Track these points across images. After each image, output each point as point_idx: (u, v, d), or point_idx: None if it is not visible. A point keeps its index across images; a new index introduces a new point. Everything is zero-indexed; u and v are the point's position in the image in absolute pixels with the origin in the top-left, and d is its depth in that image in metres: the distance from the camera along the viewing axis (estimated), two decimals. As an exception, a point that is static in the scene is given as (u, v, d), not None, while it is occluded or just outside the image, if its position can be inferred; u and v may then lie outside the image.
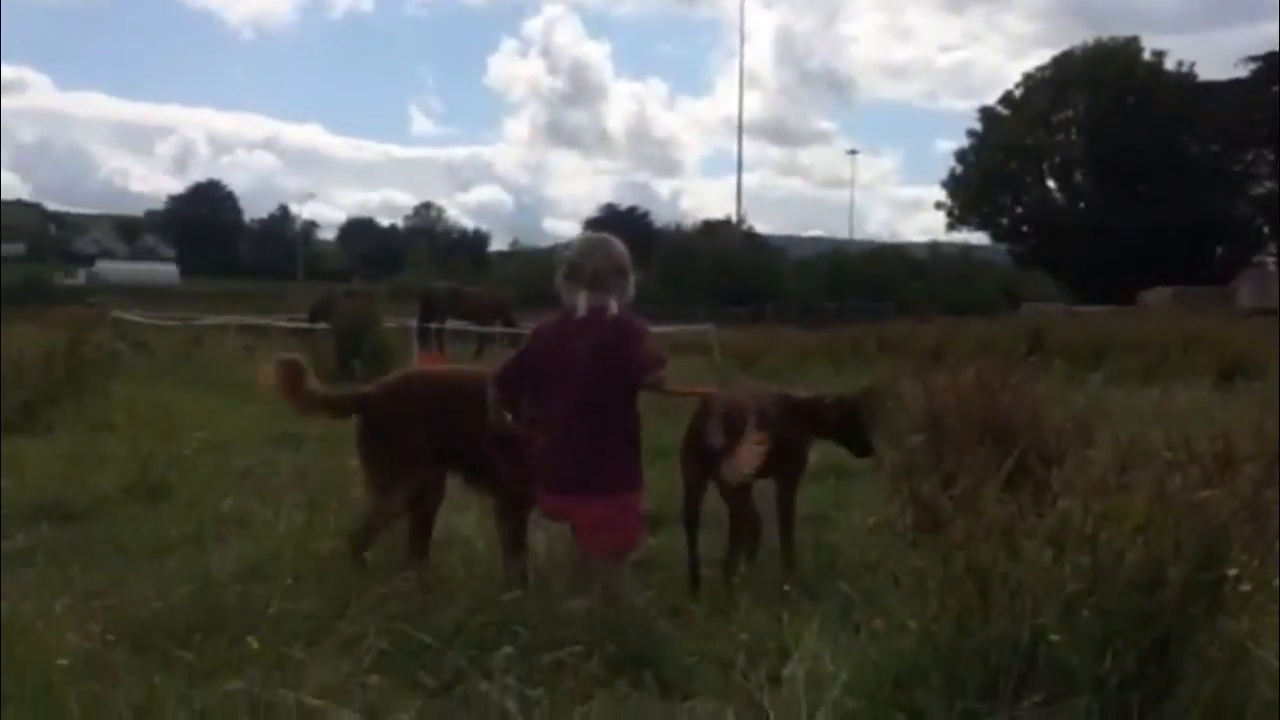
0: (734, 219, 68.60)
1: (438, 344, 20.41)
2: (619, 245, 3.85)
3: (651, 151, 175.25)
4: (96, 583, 3.61)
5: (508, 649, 2.82)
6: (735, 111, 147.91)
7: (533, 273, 61.78)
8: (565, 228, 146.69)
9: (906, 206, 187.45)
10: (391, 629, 3.04)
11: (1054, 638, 2.44)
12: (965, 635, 2.55)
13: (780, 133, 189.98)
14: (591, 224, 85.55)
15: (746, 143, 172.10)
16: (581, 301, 3.64)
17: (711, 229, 69.27)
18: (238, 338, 22.36)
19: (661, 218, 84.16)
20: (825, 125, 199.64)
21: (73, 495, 5.29)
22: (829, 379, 14.74)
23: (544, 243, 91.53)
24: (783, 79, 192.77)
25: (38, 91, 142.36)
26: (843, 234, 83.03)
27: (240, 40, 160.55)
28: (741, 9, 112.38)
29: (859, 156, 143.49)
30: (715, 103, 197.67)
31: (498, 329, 22.13)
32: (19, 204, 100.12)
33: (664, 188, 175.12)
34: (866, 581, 3.41)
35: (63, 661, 2.56)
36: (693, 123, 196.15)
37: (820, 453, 7.16)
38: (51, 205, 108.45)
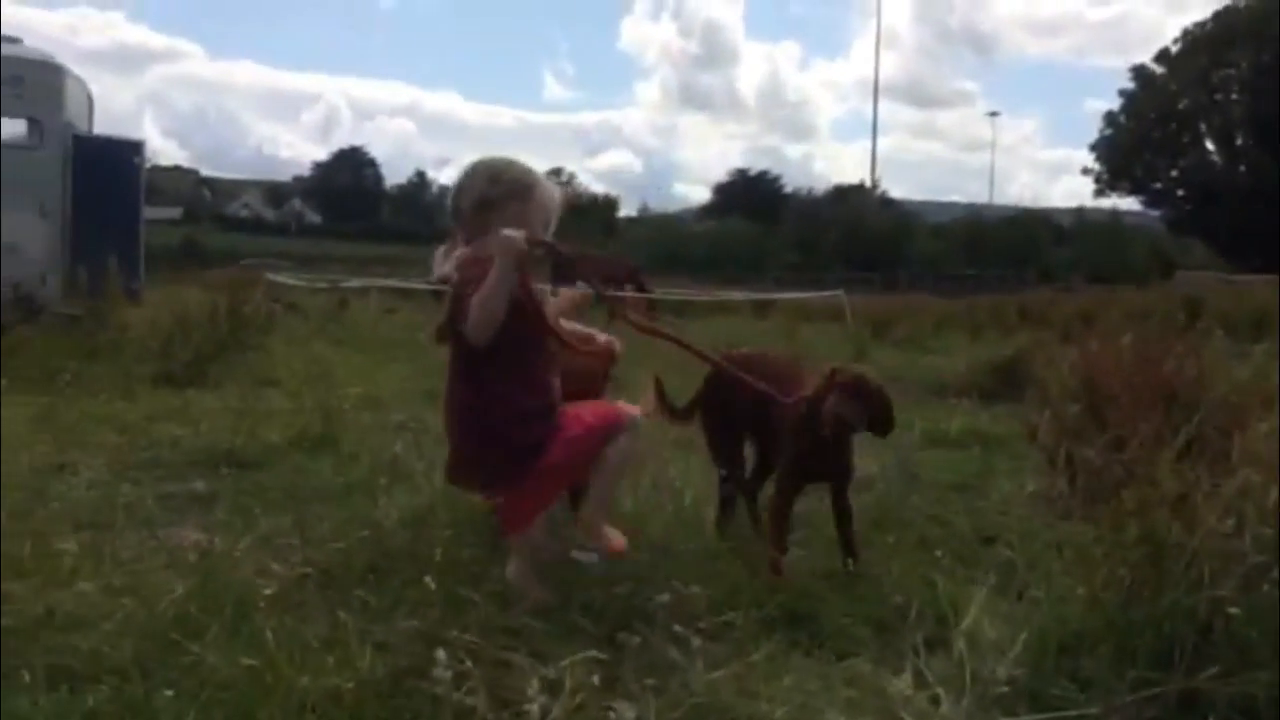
0: (868, 183, 67.27)
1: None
2: (486, 169, 3.05)
3: (783, 115, 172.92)
4: (276, 526, 3.83)
5: (664, 597, 2.88)
6: (870, 73, 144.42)
7: (662, 237, 62.31)
8: (695, 192, 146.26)
9: (1050, 170, 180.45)
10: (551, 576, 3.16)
11: (1233, 610, 2.37)
12: (1136, 605, 2.49)
13: (917, 94, 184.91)
14: (721, 188, 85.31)
15: (882, 105, 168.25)
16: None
17: (844, 194, 68.11)
18: (380, 299, 23.20)
19: (793, 182, 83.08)
20: (965, 86, 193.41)
21: (244, 445, 5.58)
22: (966, 347, 14.43)
23: (673, 207, 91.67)
24: (921, 38, 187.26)
25: (192, 61, 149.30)
26: (981, 199, 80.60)
27: (381, 8, 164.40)
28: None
29: (1000, 118, 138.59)
30: (850, 64, 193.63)
31: (629, 294, 22.41)
32: (176, 170, 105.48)
33: (795, 152, 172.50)
34: (1023, 549, 3.35)
35: (268, 591, 2.76)
36: (826, 85, 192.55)
37: (962, 419, 7.10)
38: (205, 171, 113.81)
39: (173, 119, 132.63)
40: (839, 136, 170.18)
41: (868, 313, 19.49)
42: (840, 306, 20.40)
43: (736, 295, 25.82)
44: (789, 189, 79.12)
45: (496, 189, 2.95)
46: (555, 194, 3.05)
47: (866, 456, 5.34)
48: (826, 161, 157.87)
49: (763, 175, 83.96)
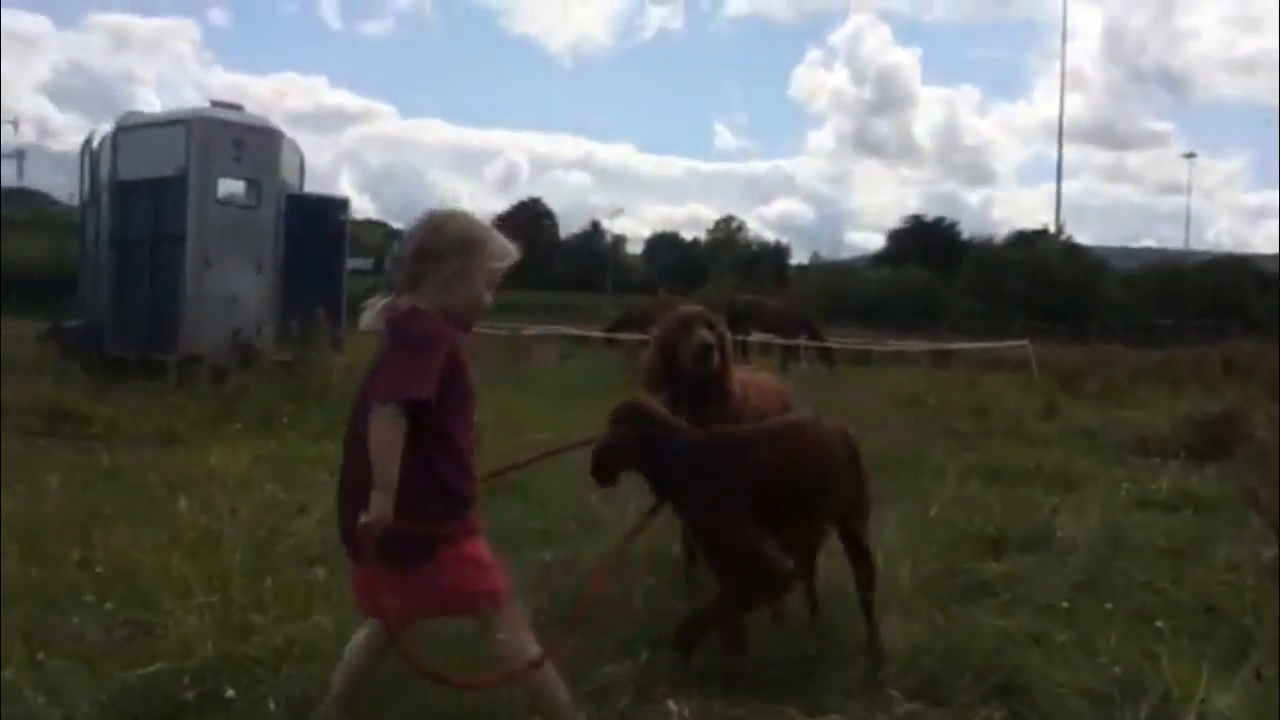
0: (1052, 229, 64.80)
1: (743, 356, 20.79)
2: (433, 219, 2.74)
3: (961, 159, 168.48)
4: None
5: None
6: (1055, 115, 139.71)
7: (834, 285, 61.71)
8: (867, 239, 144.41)
9: (1253, 214, 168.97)
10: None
11: None
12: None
13: (1106, 136, 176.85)
14: (895, 235, 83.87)
15: (1068, 147, 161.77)
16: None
17: (1026, 240, 65.79)
18: (557, 347, 23.87)
19: (971, 228, 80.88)
20: (1158, 126, 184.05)
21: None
22: (1166, 402, 13.61)
23: (846, 255, 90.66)
24: (1110, 78, 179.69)
25: (385, 121, 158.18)
26: (1175, 244, 76.29)
27: (560, 66, 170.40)
28: (1064, 6, 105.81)
29: (1197, 160, 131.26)
30: (1032, 106, 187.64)
31: (801, 342, 22.23)
32: (368, 223, 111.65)
33: (974, 197, 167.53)
34: (1256, 623, 3.15)
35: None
36: (1007, 128, 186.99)
37: (1170, 480, 6.72)
38: (394, 223, 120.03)
39: (366, 175, 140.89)
40: (1021, 181, 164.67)
41: (1055, 364, 18.69)
42: (1025, 357, 19.65)
43: (914, 345, 25.25)
44: (967, 235, 77.12)
45: (439, 240, 2.66)
46: (507, 250, 2.76)
47: (1069, 519, 5.16)
48: (1007, 207, 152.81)
49: (939, 221, 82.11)
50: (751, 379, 4.39)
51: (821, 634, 3.36)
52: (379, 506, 2.35)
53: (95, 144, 13.42)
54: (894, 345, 24.73)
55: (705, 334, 3.80)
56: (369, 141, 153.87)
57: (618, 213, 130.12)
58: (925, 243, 73.97)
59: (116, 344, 12.32)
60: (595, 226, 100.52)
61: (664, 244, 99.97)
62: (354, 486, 2.47)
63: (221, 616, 2.98)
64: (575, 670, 2.81)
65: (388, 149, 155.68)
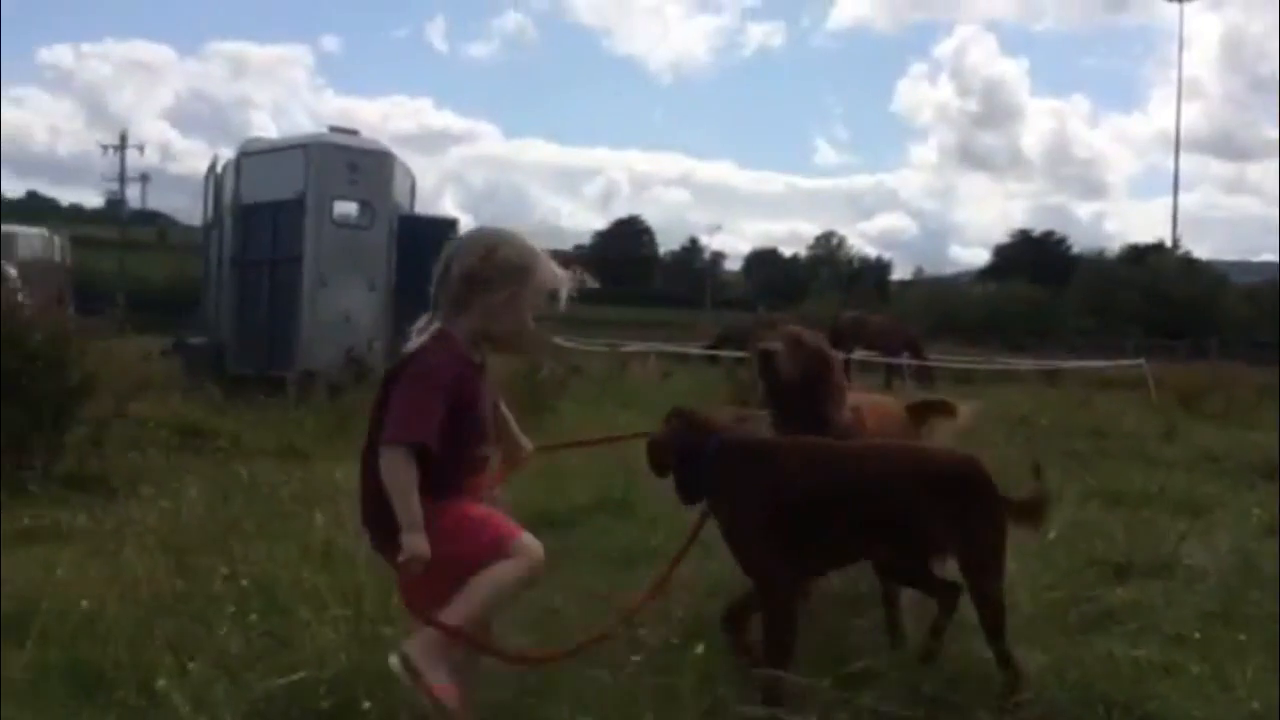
0: (1168, 243, 62.54)
1: (846, 374, 20.54)
2: (483, 241, 2.70)
3: (1072, 172, 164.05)
4: (592, 585, 4.04)
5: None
6: (1171, 125, 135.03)
7: (939, 302, 60.58)
8: (972, 255, 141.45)
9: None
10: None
11: None
12: None
13: (1226, 146, 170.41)
14: (1002, 250, 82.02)
15: (1185, 158, 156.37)
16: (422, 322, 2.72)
17: (1140, 254, 63.67)
18: (657, 363, 23.98)
19: (1082, 243, 78.63)
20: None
21: (554, 505, 5.91)
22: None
23: (950, 270, 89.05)
24: (1230, 87, 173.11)
25: (487, 141, 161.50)
26: (1302, 258, 72.85)
27: (660, 84, 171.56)
28: (1180, 14, 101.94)
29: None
30: (1147, 117, 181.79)
31: (905, 360, 21.88)
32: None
33: (1085, 210, 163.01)
34: None
35: (636, 658, 2.94)
36: (1120, 140, 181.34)
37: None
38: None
39: (468, 194, 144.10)
40: (1135, 194, 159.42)
41: (1174, 383, 17.99)
42: (1141, 376, 19.02)
43: (1023, 363, 24.62)
44: (1077, 250, 75.05)
45: (489, 267, 2.61)
46: (558, 276, 2.72)
47: (1196, 545, 4.98)
48: (1120, 220, 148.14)
49: (1048, 236, 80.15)
50: (872, 402, 4.32)
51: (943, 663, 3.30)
52: (411, 545, 2.40)
53: (219, 169, 14.04)
54: (1002, 363, 24.15)
55: (805, 349, 3.73)
56: (472, 161, 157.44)
57: (716, 229, 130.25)
58: (1034, 258, 72.23)
59: (237, 361, 12.84)
60: (694, 243, 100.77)
61: (763, 260, 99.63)
62: (372, 500, 2.55)
63: (354, 629, 3.09)
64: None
65: (490, 168, 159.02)
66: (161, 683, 2.71)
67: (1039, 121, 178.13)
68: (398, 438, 2.45)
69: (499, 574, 2.51)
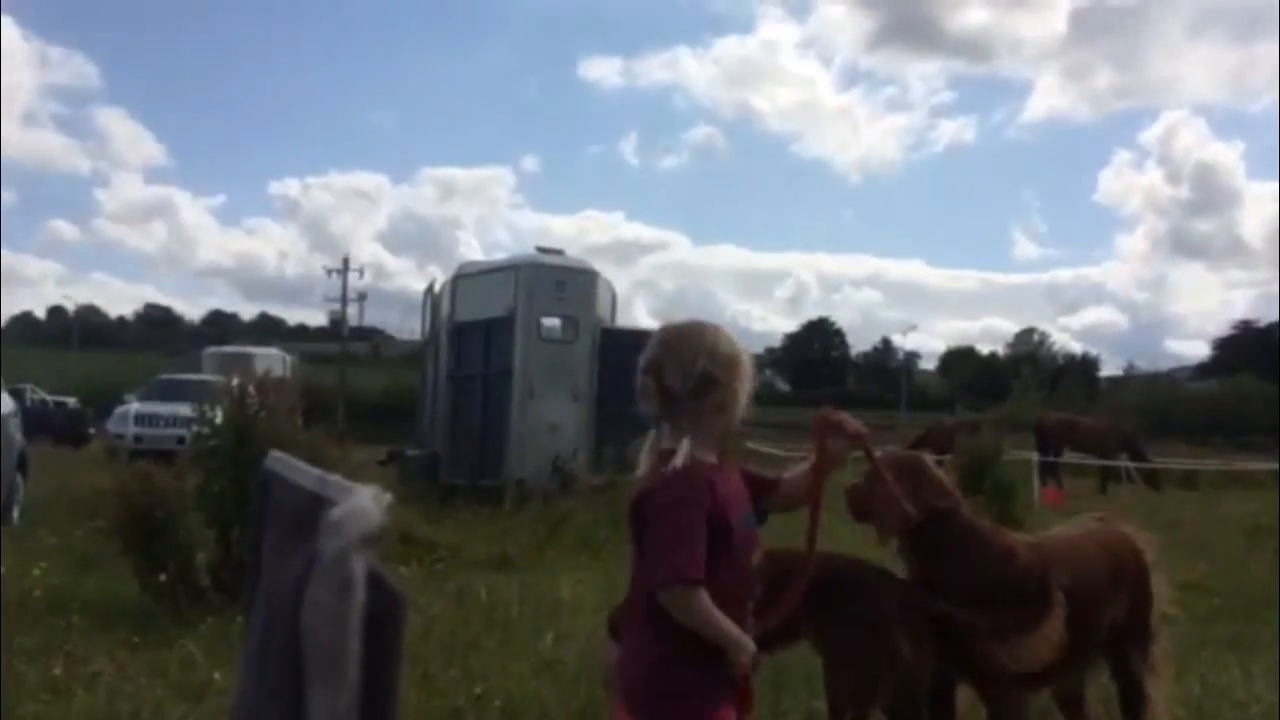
0: None
1: (1055, 479, 19.57)
2: (699, 336, 2.38)
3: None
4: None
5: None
6: None
7: (1154, 399, 57.05)
8: (1190, 348, 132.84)
9: None
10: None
11: None
12: None
13: None
14: (1222, 343, 76.85)
15: None
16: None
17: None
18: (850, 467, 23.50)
19: (1311, 332, 72.37)
20: None
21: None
22: None
23: (1165, 365, 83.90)
24: None
25: (678, 249, 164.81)
26: None
27: (849, 184, 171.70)
28: None
29: None
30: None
31: (1123, 462, 20.66)
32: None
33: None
34: None
35: None
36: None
37: None
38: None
39: (659, 300, 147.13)
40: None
41: None
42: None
43: (1255, 464, 22.81)
44: (1307, 339, 69.40)
45: (713, 365, 2.30)
46: (750, 364, 2.42)
47: None
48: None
49: (1274, 326, 74.50)
50: (1073, 540, 3.73)
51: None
52: (738, 649, 2.20)
53: (436, 289, 15.04)
54: (1231, 464, 22.47)
55: (930, 481, 3.33)
56: (662, 269, 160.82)
57: (911, 328, 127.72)
58: (1259, 349, 67.21)
59: (451, 471, 13.50)
60: (886, 343, 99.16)
61: (960, 359, 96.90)
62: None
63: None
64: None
65: (680, 275, 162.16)
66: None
67: (1259, 206, 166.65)
68: (671, 582, 2.19)
69: None
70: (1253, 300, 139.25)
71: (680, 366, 2.30)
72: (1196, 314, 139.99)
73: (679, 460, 2.23)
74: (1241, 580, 6.74)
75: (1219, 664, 4.32)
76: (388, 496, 0.88)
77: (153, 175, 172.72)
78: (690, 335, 2.36)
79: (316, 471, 0.90)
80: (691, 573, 2.16)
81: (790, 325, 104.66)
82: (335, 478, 0.90)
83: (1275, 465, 22.03)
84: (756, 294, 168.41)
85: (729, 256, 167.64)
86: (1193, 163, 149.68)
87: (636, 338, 14.78)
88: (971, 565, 3.27)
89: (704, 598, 2.17)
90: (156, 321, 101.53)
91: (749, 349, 2.42)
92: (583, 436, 13.26)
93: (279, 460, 0.90)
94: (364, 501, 0.79)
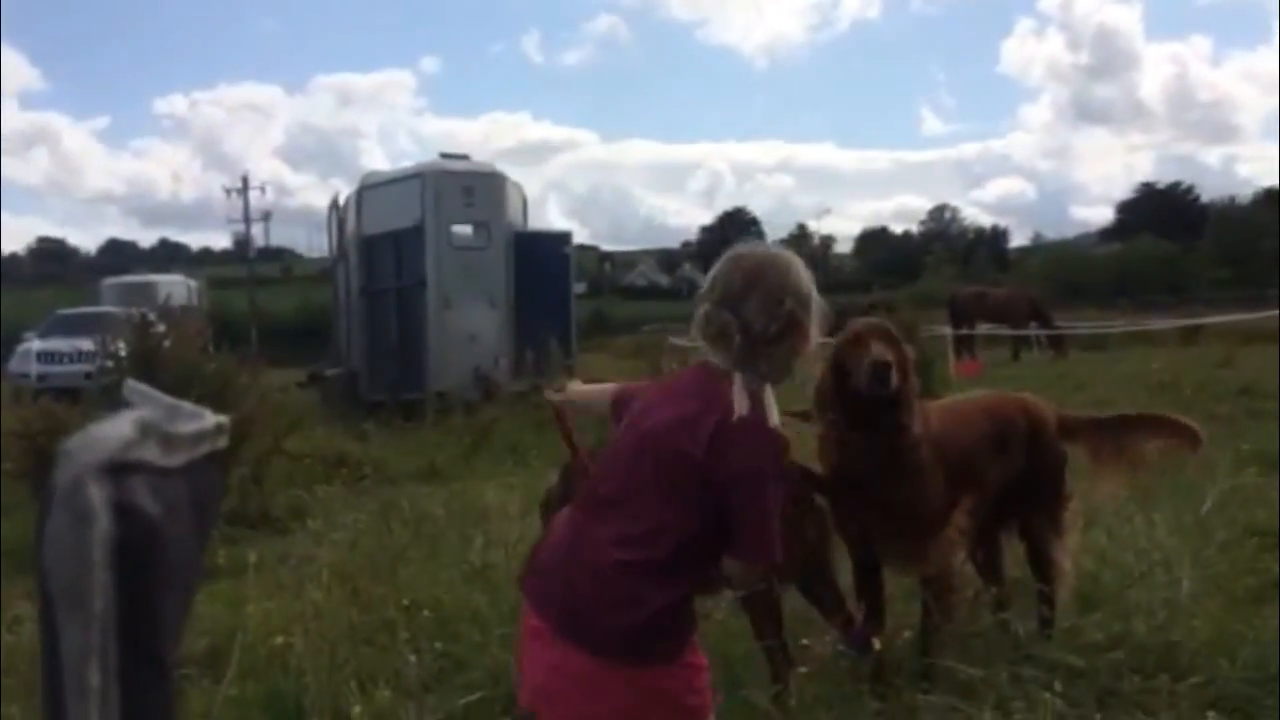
0: (1306, 182, 59.13)
1: (969, 351, 20.09)
2: (783, 271, 2.12)
3: (1196, 117, 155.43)
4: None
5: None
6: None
7: (1063, 266, 58.57)
8: (1096, 214, 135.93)
9: None
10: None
11: None
12: None
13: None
14: (1126, 206, 78.78)
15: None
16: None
17: (1277, 198, 60.36)
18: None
19: (1211, 191, 74.84)
20: None
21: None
22: None
23: (1072, 232, 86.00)
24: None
25: (587, 148, 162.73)
26: None
27: (756, 70, 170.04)
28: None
29: None
30: (1274, 51, 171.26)
31: (1033, 330, 21.26)
32: (580, 248, 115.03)
33: (1213, 156, 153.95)
34: None
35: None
36: (1248, 78, 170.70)
37: None
38: (605, 246, 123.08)
39: (573, 201, 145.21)
40: (1268, 134, 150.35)
41: (1322, 334, 17.03)
42: (1287, 329, 18.05)
43: (1157, 323, 23.65)
44: (1207, 199, 71.59)
45: (801, 304, 2.08)
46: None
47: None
48: (1253, 164, 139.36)
49: (1175, 187, 76.62)
50: (957, 408, 3.78)
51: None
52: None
53: (341, 203, 14.62)
54: (1135, 325, 23.26)
55: (881, 351, 3.17)
56: (573, 169, 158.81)
57: (825, 213, 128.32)
58: (1161, 211, 69.17)
59: (370, 388, 13.35)
60: (802, 229, 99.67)
61: (874, 240, 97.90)
62: (567, 567, 2.05)
63: (521, 646, 3.23)
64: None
65: (592, 173, 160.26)
66: (356, 709, 2.89)
67: (1158, 68, 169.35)
68: (758, 560, 2.06)
69: None
70: (1155, 162, 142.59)
71: (766, 306, 2.03)
72: (1101, 179, 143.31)
73: (774, 419, 2.01)
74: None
75: (1123, 514, 4.51)
76: (222, 419, 0.85)
77: (29, 100, 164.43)
78: (777, 269, 2.10)
79: (169, 400, 0.85)
80: (773, 557, 2.03)
81: (706, 217, 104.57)
82: (188, 405, 0.85)
83: (1177, 323, 22.90)
84: (670, 188, 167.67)
85: (640, 151, 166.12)
86: (1093, 26, 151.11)
87: (550, 240, 14.68)
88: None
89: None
90: (51, 255, 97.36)
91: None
92: (503, 344, 13.17)
93: (135, 390, 0.84)
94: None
